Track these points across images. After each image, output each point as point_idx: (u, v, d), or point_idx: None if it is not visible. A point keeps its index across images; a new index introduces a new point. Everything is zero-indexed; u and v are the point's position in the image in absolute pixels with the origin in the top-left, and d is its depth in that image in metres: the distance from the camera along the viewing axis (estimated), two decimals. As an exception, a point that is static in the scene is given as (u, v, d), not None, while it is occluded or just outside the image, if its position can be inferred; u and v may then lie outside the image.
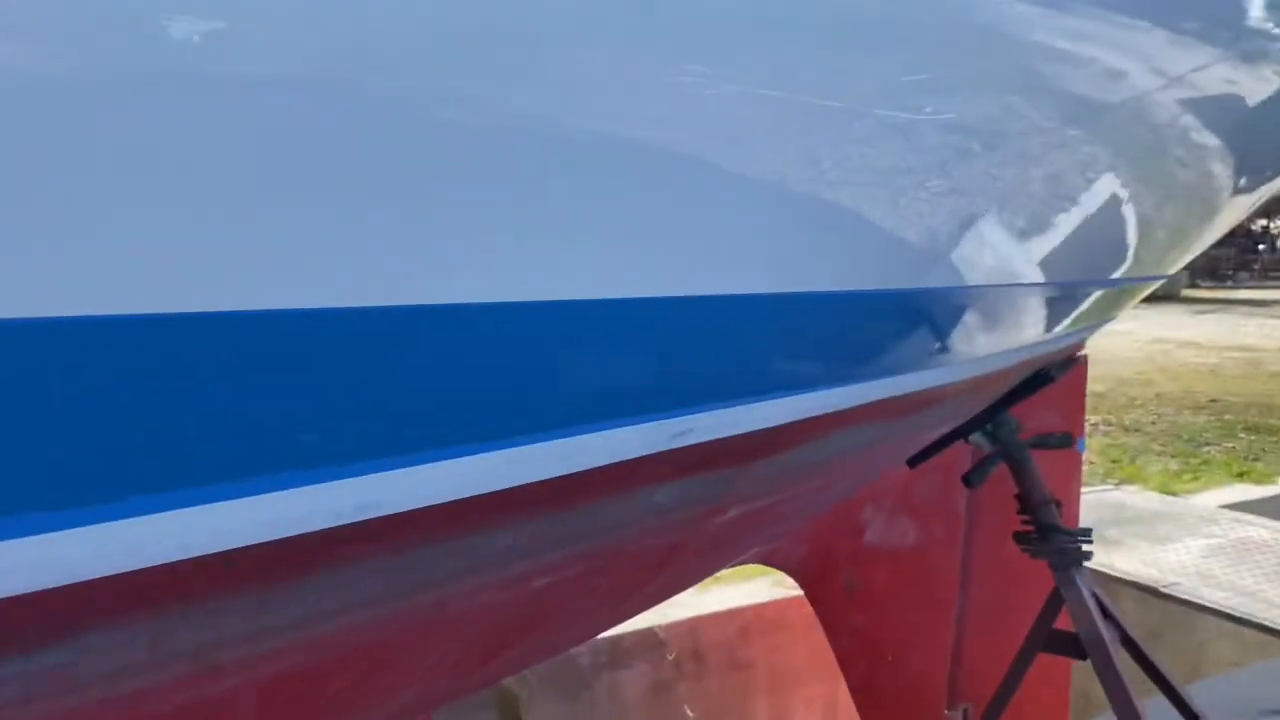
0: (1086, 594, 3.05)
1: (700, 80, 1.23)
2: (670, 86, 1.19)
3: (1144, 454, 9.33)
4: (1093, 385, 12.68)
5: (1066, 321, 2.96)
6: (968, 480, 3.21)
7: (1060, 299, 2.72)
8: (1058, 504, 3.25)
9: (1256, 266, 42.20)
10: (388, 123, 0.99)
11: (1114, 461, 9.01)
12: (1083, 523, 6.94)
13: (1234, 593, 5.53)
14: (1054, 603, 3.19)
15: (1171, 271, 4.66)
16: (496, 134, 1.09)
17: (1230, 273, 41.43)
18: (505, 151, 1.11)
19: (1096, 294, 3.33)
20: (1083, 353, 5.34)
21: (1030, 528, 3.21)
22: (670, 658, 5.24)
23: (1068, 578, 3.10)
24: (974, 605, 4.95)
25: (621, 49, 1.13)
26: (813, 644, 5.35)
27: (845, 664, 4.88)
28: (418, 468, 1.14)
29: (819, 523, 4.60)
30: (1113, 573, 5.93)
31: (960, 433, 3.03)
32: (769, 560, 4.46)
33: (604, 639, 5.18)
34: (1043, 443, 3.27)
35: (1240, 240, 53.12)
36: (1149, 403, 12.14)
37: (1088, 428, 10.10)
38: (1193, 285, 35.79)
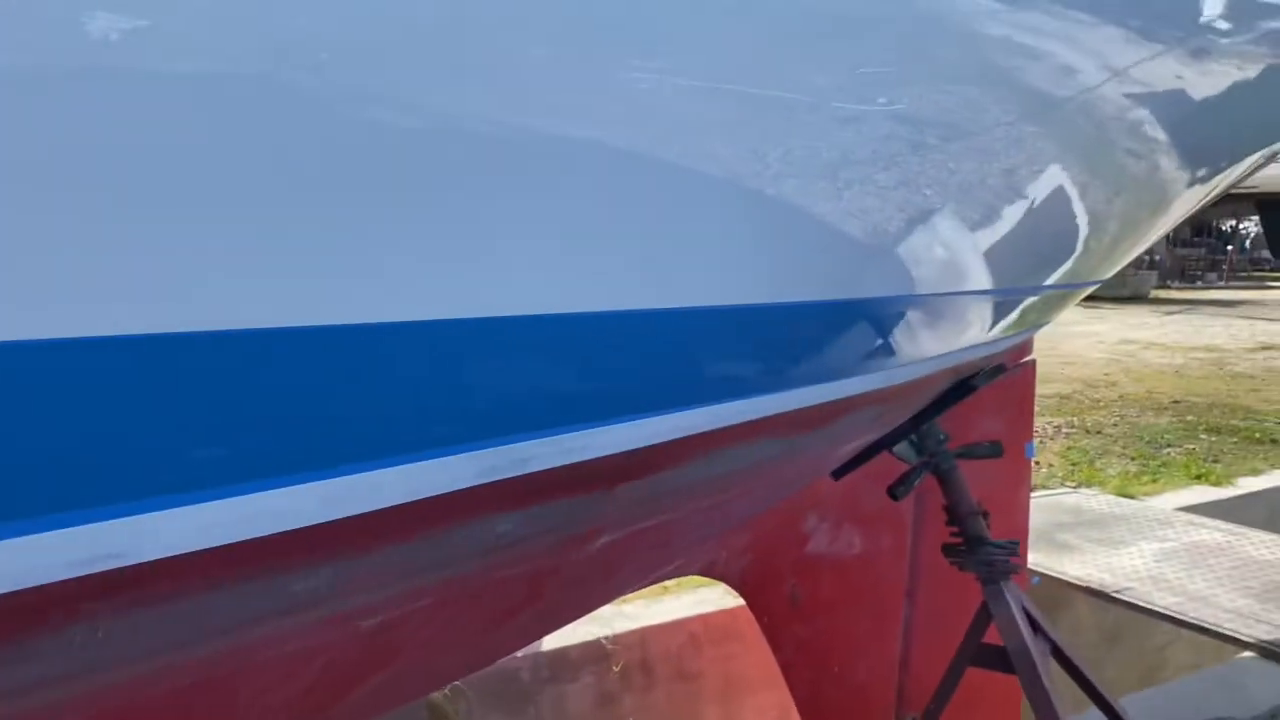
0: (1015, 607, 2.98)
1: (558, 90, 1.17)
2: (517, 100, 1.13)
3: (1104, 456, 9.32)
4: (1058, 387, 12.74)
5: (994, 328, 2.89)
6: (893, 492, 3.13)
7: (982, 306, 2.65)
8: (985, 515, 3.18)
9: (1225, 267, 42.56)
10: (233, 134, 0.94)
11: (1074, 464, 8.99)
12: (1038, 526, 6.91)
13: (1186, 597, 5.49)
14: (983, 616, 3.12)
15: (1107, 276, 4.61)
16: (336, 149, 1.02)
17: (1199, 273, 41.77)
18: (339, 168, 1.02)
19: (1027, 301, 3.26)
20: (1030, 356, 5.30)
21: (959, 540, 3.13)
22: (616, 669, 5.15)
23: (996, 591, 3.03)
24: (921, 614, 4.88)
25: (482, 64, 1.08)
26: (765, 652, 5.27)
27: (790, 675, 4.80)
28: (217, 502, 1.05)
29: (760, 532, 4.52)
30: (1065, 578, 5.89)
31: (884, 443, 2.95)
32: (708, 572, 4.37)
33: (546, 651, 5.09)
34: (970, 452, 3.20)
35: (1209, 241, 53.61)
36: (1112, 404, 12.15)
37: (1050, 430, 10.08)
38: (1162, 286, 36.05)
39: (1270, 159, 5.24)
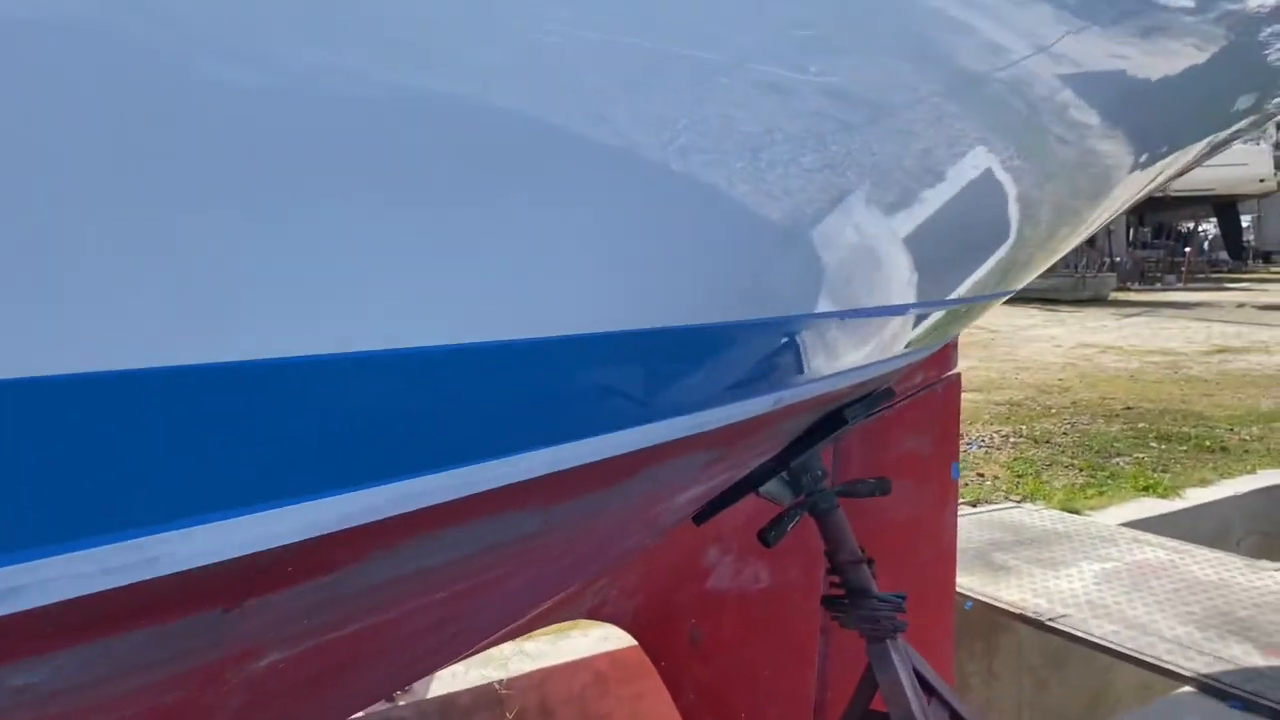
0: (903, 671, 2.61)
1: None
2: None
3: (1052, 467, 9.02)
4: (1010, 394, 12.45)
5: (871, 351, 2.51)
6: (764, 538, 2.74)
7: (846, 330, 2.28)
8: (870, 563, 2.80)
9: (1184, 269, 42.73)
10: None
11: (1019, 476, 8.68)
12: (975, 545, 6.58)
13: (1123, 625, 5.16)
14: (869, 680, 2.73)
15: (1016, 288, 4.26)
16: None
17: (1158, 275, 41.90)
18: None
19: (910, 321, 2.90)
20: (954, 370, 4.95)
21: (841, 591, 2.75)
22: (510, 717, 4.74)
23: (880, 651, 2.65)
24: (838, 652, 4.51)
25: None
26: (679, 691, 4.89)
27: (692, 723, 4.42)
28: None
29: (653, 569, 4.13)
30: (999, 604, 5.54)
31: (750, 483, 2.57)
32: (596, 615, 3.99)
33: (434, 698, 4.67)
34: (852, 491, 2.82)
35: (1169, 243, 53.94)
36: (1064, 411, 11.88)
37: (998, 439, 9.78)
38: (1122, 288, 36.09)
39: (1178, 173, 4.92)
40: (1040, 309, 27.86)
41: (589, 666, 5.07)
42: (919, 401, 4.73)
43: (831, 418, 2.49)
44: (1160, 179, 4.33)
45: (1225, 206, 50.46)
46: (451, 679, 4.80)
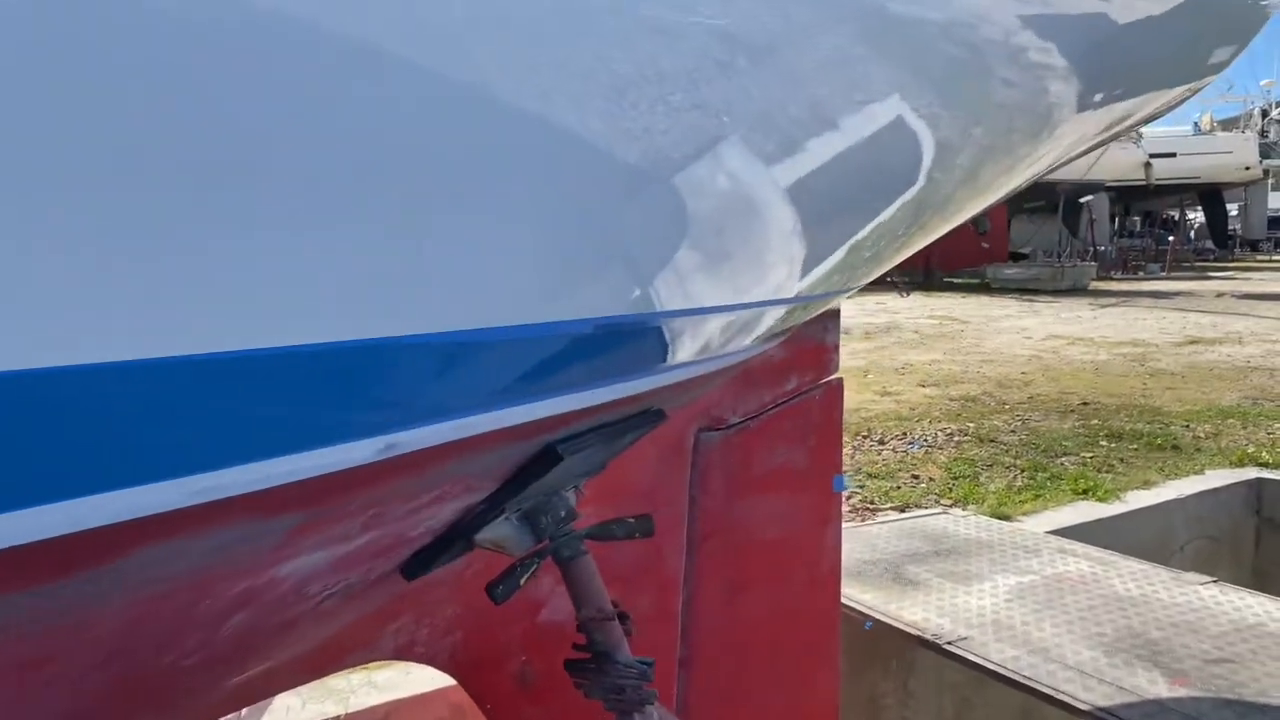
0: (656, 754, 2.18)
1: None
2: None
3: (992, 467, 8.61)
4: (968, 388, 12.05)
5: (599, 370, 2.08)
6: (492, 594, 2.31)
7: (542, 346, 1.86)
8: (625, 618, 2.38)
9: (1168, 258, 42.38)
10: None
11: (955, 478, 8.27)
12: (889, 556, 6.16)
13: (1026, 649, 4.75)
14: (623, 761, 2.30)
15: (853, 287, 3.85)
16: None
17: (1142, 264, 41.55)
18: None
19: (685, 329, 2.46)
20: (834, 375, 4.54)
21: (587, 654, 2.32)
22: (346, 757, 4.32)
23: (628, 730, 2.23)
24: (701, 687, 4.10)
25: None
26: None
27: (527, 770, 3.99)
28: None
29: (473, 602, 3.71)
30: (899, 624, 5.13)
31: (464, 531, 2.13)
32: (405, 656, 3.57)
33: (259, 737, 4.25)
34: (605, 533, 2.39)
35: (1156, 231, 53.60)
36: (1018, 407, 11.48)
37: (941, 438, 9.38)
38: (1104, 277, 35.73)
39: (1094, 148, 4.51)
40: (1017, 299, 27.49)
41: (445, 699, 4.66)
42: (792, 410, 4.32)
43: (546, 453, 2.05)
44: (1033, 169, 3.92)
45: (1210, 195, 50.26)
46: (286, 714, 4.38)
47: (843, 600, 5.50)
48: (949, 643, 4.84)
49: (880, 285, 32.18)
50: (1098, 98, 3.86)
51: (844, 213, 2.89)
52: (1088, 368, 14.83)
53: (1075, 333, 19.55)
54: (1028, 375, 14.03)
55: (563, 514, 2.22)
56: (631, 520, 2.37)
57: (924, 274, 34.00)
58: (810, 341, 4.38)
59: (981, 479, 8.24)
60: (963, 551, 6.21)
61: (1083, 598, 5.39)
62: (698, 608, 4.15)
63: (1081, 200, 38.59)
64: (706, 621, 4.18)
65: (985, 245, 35.19)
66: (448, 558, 2.17)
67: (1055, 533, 6.87)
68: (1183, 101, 4.63)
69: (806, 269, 2.97)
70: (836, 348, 4.48)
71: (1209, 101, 49.46)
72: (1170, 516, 7.67)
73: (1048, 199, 37.93)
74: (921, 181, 3.11)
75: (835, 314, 4.47)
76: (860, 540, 6.43)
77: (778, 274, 2.82)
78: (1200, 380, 13.47)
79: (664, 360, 2.30)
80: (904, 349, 17.17)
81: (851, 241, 3.11)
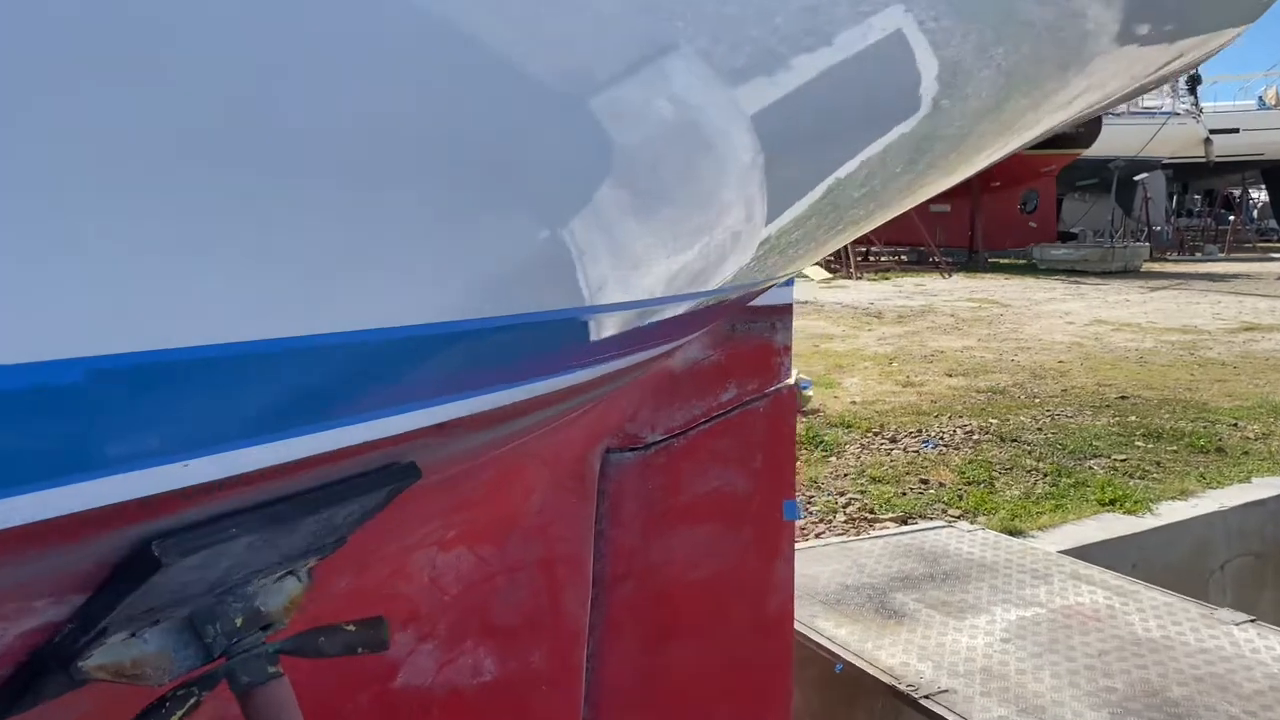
0: None
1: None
2: None
3: (1011, 471, 7.81)
4: (998, 379, 11.18)
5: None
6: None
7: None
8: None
9: (1228, 238, 40.62)
10: None
11: (968, 483, 7.49)
12: (878, 581, 5.42)
13: (1016, 708, 4.00)
14: None
15: (784, 274, 3.19)
16: None
17: (1199, 245, 39.87)
18: None
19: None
20: (785, 382, 3.81)
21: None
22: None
23: None
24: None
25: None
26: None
27: None
28: None
29: (304, 668, 3.05)
30: (873, 670, 4.41)
31: (59, 656, 1.43)
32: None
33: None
34: (310, 648, 1.69)
35: (1216, 210, 51.56)
36: (1049, 401, 10.61)
37: (959, 436, 8.61)
38: (1158, 259, 34.26)
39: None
40: (1063, 282, 26.32)
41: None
42: (730, 425, 3.60)
43: (138, 560, 1.33)
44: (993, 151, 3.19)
45: (1275, 172, 48.14)
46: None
47: (815, 635, 4.79)
48: (926, 696, 4.11)
49: (921, 265, 31.12)
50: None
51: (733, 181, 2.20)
52: (1131, 356, 13.85)
53: (1122, 317, 18.48)
54: (1064, 364, 13.11)
55: (241, 621, 1.53)
56: (350, 629, 1.67)
57: (968, 254, 32.85)
58: (752, 342, 3.65)
59: (997, 485, 7.45)
60: (961, 575, 5.46)
61: (1093, 639, 4.62)
62: (607, 663, 3.47)
63: (1136, 178, 37.03)
64: (619, 679, 3.50)
65: (1033, 225, 33.89)
66: (32, 700, 1.48)
67: (1073, 551, 6.08)
68: (1207, 55, 3.83)
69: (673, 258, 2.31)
70: (787, 349, 3.75)
71: (1275, 75, 47.30)
72: (1209, 531, 6.83)
73: (1101, 176, 36.47)
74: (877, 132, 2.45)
75: (785, 310, 3.74)
76: (847, 559, 5.70)
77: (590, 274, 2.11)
78: (1254, 372, 12.46)
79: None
80: (936, 334, 16.28)
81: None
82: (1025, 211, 34.08)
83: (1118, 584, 5.30)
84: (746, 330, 3.61)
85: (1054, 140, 32.81)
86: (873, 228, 3.89)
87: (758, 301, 3.61)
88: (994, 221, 33.30)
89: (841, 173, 2.58)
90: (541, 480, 3.25)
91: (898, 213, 3.64)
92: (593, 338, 2.45)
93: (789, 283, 3.73)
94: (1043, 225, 34.14)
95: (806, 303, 20.96)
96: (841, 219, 3.19)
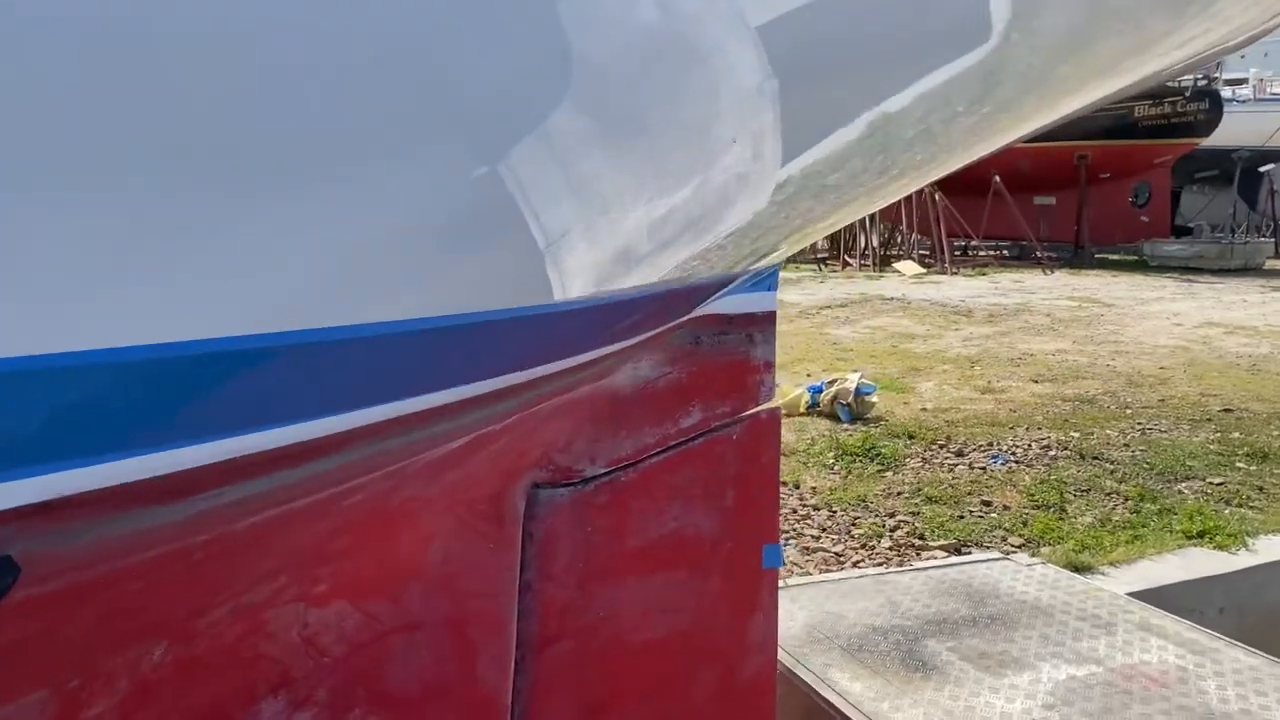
0: None
1: None
2: None
3: (1087, 494, 7.01)
4: (1089, 386, 10.25)
5: None
6: None
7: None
8: None
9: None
10: None
11: (1036, 506, 6.73)
12: (912, 623, 4.75)
13: (1048, 798, 3.34)
14: None
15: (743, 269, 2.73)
16: None
17: (1333, 239, 37.17)
18: None
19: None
20: (766, 406, 3.23)
21: None
22: None
23: None
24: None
25: None
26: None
27: None
28: None
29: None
30: (882, 738, 3.78)
31: None
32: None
33: None
34: None
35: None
36: (1142, 412, 9.68)
37: (1034, 451, 7.83)
38: (1283, 255, 32.01)
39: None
40: (1175, 280, 24.72)
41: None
42: (694, 456, 3.03)
43: None
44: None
45: None
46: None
47: (823, 690, 4.18)
48: (941, 777, 3.47)
49: (1023, 261, 29.68)
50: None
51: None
52: (1242, 364, 12.69)
53: (1236, 320, 17.11)
54: (1165, 371, 12.06)
55: None
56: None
57: (1073, 249, 31.25)
58: (723, 357, 3.07)
59: (1069, 510, 6.67)
60: (1009, 620, 4.77)
61: (1155, 709, 3.91)
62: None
63: (1262, 169, 34.74)
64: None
65: (1145, 219, 32.04)
66: None
67: (1148, 593, 5.32)
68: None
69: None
70: (769, 366, 3.15)
71: None
72: (1314, 573, 5.96)
73: (1222, 168, 34.32)
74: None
75: (765, 320, 3.14)
76: (880, 595, 5.05)
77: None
78: (1383, 383, 11.26)
79: None
80: (1028, 335, 15.28)
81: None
82: (1137, 205, 32.22)
83: (1194, 638, 4.54)
84: (716, 343, 3.03)
85: (1170, 128, 31.00)
86: (930, 179, 3.35)
87: (730, 309, 3.04)
88: (1102, 215, 31.59)
89: (892, 105, 2.14)
90: (444, 523, 2.73)
91: (960, 163, 3.09)
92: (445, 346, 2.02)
93: (771, 285, 3.14)
94: (1156, 219, 32.23)
95: (892, 299, 20.07)
96: (892, 164, 2.66)
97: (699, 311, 2.95)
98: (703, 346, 2.98)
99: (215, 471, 1.59)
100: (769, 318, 3.13)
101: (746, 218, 2.48)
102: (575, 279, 2.21)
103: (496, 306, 2.23)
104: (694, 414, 2.98)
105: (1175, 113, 30.79)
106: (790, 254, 3.45)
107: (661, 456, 2.93)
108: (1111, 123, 29.82)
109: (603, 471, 2.86)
